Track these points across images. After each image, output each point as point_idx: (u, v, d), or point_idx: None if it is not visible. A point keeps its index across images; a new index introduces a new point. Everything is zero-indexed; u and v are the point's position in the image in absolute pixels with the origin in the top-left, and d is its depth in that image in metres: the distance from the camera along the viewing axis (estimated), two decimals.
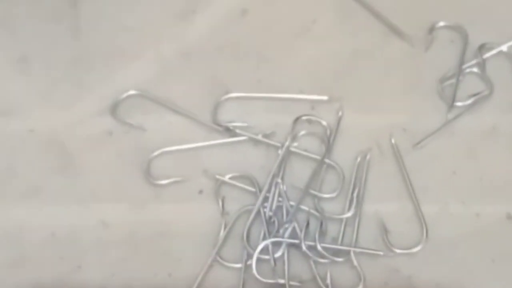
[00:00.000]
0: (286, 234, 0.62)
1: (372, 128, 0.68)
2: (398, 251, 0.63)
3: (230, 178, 0.65)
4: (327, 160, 0.66)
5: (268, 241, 0.62)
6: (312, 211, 0.64)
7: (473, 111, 0.69)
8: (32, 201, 0.65)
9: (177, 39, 0.72)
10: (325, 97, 0.69)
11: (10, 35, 0.72)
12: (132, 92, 0.69)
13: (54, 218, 0.65)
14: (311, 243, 0.62)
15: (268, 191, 0.64)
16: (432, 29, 0.72)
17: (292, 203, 0.64)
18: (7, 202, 0.65)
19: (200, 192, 0.66)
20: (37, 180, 0.66)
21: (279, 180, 0.64)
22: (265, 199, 0.64)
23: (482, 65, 0.70)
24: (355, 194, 0.64)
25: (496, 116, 0.68)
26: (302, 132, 0.67)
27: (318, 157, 0.66)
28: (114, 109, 0.68)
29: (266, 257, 0.62)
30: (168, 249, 0.63)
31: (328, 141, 0.66)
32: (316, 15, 0.74)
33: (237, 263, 0.62)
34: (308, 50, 0.72)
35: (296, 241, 0.62)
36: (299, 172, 0.66)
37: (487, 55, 0.71)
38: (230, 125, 0.67)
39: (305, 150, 0.67)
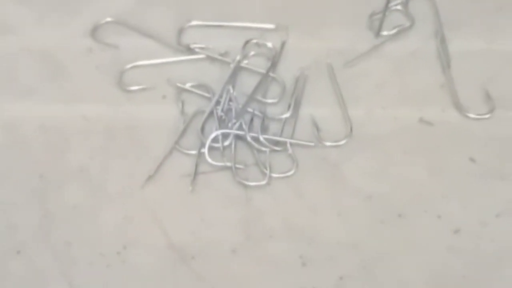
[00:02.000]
0: (234, 128, 0.75)
1: (313, 51, 0.81)
2: (327, 143, 0.75)
3: (190, 87, 0.78)
4: (271, 74, 0.79)
5: (218, 132, 0.75)
6: (256, 112, 0.76)
7: (397, 39, 0.82)
8: (27, 100, 0.78)
9: None
10: (272, 25, 0.82)
11: None
12: (109, 19, 0.82)
13: (44, 113, 0.77)
14: (255, 135, 0.75)
15: (221, 96, 0.77)
16: None
17: (240, 106, 0.77)
18: (6, 100, 0.78)
19: (164, 97, 0.78)
20: (31, 84, 0.79)
21: (230, 87, 0.77)
22: (218, 103, 0.77)
23: (405, 3, 0.84)
24: (293, 100, 0.77)
25: (415, 44, 0.82)
26: (252, 53, 0.80)
27: (264, 71, 0.79)
28: (94, 31, 0.81)
29: (217, 145, 0.74)
30: (137, 139, 0.76)
31: (273, 59, 0.79)
32: None
33: (193, 150, 0.75)
34: None
35: (241, 132, 0.75)
36: (249, 84, 0.79)
37: None
38: (191, 45, 0.80)
39: (255, 67, 0.79)
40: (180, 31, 0.82)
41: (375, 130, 0.77)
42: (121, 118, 0.77)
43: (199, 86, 0.78)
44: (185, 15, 0.83)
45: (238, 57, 0.79)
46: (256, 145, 0.74)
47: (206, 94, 0.78)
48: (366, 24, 0.83)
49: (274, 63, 0.79)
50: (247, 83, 0.79)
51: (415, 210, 0.72)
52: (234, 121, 0.75)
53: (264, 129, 0.76)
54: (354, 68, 0.80)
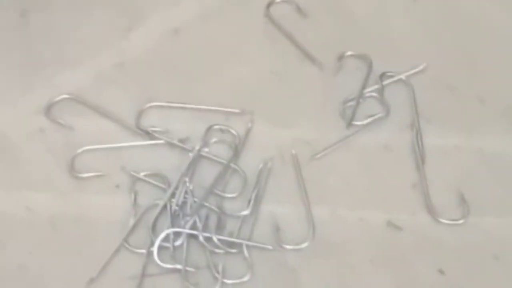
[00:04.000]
0: (187, 226, 0.70)
1: (279, 140, 0.76)
2: (286, 246, 0.70)
3: (144, 176, 0.73)
4: (232, 165, 0.74)
5: (169, 231, 0.69)
6: (213, 207, 0.71)
7: (370, 130, 0.77)
8: None
9: (113, 52, 0.81)
10: (237, 110, 0.77)
11: None
12: (65, 96, 0.77)
13: None
14: (208, 235, 0.69)
15: (177, 188, 0.72)
16: (341, 57, 0.80)
17: (196, 200, 0.71)
18: None
19: (117, 186, 0.73)
20: None
21: (186, 179, 0.72)
22: (174, 195, 0.72)
23: (381, 90, 0.79)
24: (253, 195, 0.72)
25: (390, 136, 0.77)
26: (214, 139, 0.76)
27: (225, 162, 0.74)
28: (47, 109, 0.76)
29: (168, 244, 0.69)
30: (84, 234, 0.71)
31: (236, 148, 0.74)
32: (242, 40, 0.83)
33: (143, 249, 0.70)
34: (231, 69, 0.81)
35: (194, 232, 0.70)
36: (208, 174, 0.74)
37: (387, 82, 0.79)
38: (150, 129, 0.75)
39: (216, 156, 0.74)
40: (140, 113, 0.77)
41: (339, 233, 0.72)
42: (69, 209, 0.72)
43: (155, 175, 0.73)
44: (146, 95, 0.78)
45: (197, 147, 0.74)
46: (209, 246, 0.69)
47: (162, 185, 0.73)
48: (337, 111, 0.78)
49: (236, 153, 0.74)
50: (207, 172, 0.74)
51: None
52: (187, 218, 0.70)
53: (220, 227, 0.71)
54: (321, 161, 0.75)
